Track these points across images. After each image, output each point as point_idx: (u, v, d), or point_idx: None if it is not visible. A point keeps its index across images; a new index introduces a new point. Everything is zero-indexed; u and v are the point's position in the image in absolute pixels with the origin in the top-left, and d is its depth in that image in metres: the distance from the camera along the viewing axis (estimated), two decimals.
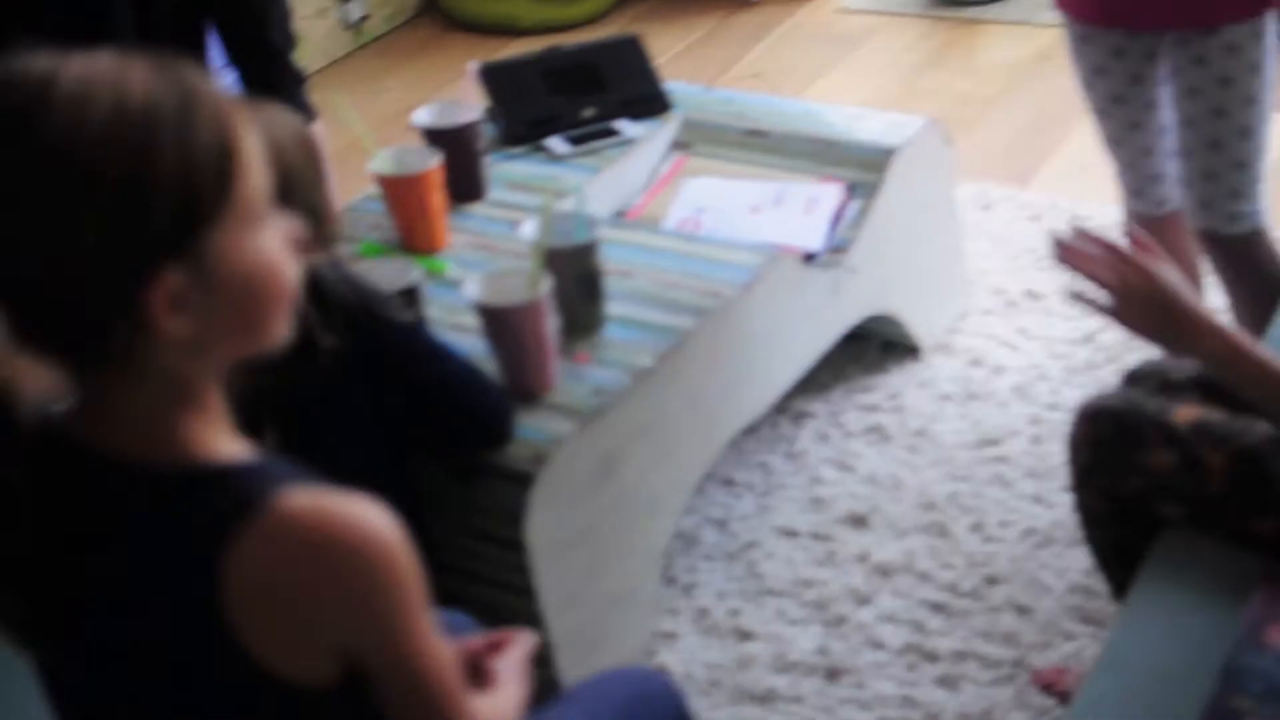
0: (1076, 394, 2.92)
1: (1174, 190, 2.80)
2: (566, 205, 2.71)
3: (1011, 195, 3.81)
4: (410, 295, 2.43)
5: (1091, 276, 2.03)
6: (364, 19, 5.18)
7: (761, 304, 2.72)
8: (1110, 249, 2.02)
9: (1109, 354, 3.18)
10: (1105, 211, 3.56)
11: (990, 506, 2.86)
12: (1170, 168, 2.78)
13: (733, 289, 2.66)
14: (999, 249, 3.59)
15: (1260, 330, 2.49)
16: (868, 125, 3.18)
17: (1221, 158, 2.65)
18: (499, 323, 2.39)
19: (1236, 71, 2.58)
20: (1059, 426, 2.93)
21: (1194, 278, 2.92)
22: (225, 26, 2.68)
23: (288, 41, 2.73)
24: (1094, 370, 3.14)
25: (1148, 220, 2.83)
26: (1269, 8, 2.56)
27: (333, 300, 2.01)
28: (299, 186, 1.98)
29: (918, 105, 4.22)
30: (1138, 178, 2.82)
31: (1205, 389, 2.12)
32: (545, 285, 2.38)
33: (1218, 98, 2.60)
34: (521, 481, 2.31)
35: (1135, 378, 2.24)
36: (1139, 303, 1.99)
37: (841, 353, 3.14)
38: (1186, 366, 2.18)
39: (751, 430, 3.00)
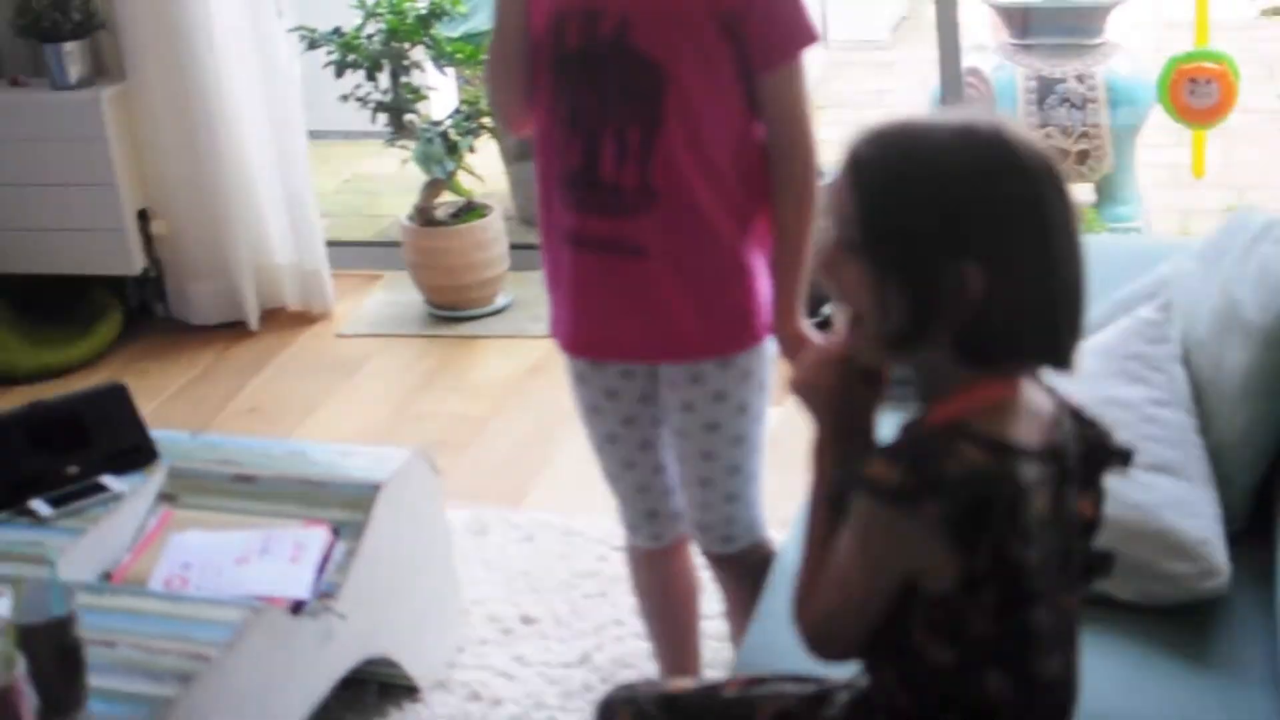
0: (573, 719, 2.98)
1: (673, 524, 2.86)
2: (43, 574, 2.66)
3: (505, 516, 3.90)
4: None
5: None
6: None
7: (246, 661, 2.70)
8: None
9: (603, 674, 3.26)
10: (599, 524, 3.70)
11: None
12: (671, 503, 2.83)
13: (216, 649, 2.64)
14: (494, 574, 3.66)
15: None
16: (354, 461, 3.24)
17: (712, 492, 2.72)
18: None
19: (724, 416, 2.65)
20: None
21: (692, 604, 3.04)
22: None
23: None
24: (590, 692, 3.21)
25: (646, 553, 2.92)
26: (744, 347, 2.63)
27: None
28: None
29: (413, 430, 4.32)
30: (633, 513, 2.86)
31: (674, 710, 2.22)
32: (19, 666, 2.33)
33: (706, 441, 2.68)
34: None
35: (608, 707, 2.31)
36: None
37: (337, 700, 3.12)
38: (656, 686, 2.29)
39: None
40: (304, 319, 5.21)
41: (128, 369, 4.92)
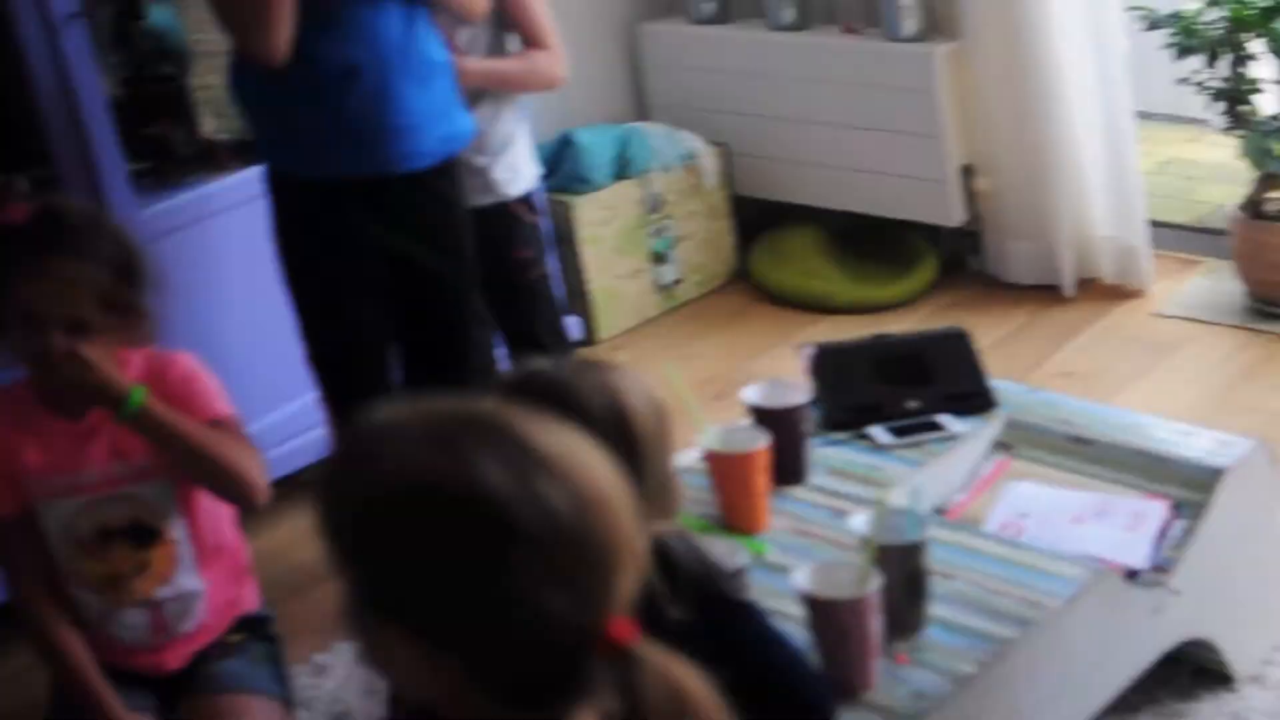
0: None
1: None
2: (898, 500, 2.72)
3: None
4: (740, 576, 2.47)
5: None
6: (676, 282, 5.33)
7: (1083, 619, 2.70)
8: None
9: None
10: None
11: None
12: None
13: (1056, 601, 2.65)
14: None
15: None
16: (1196, 442, 3.16)
17: None
18: (826, 616, 2.41)
19: None
20: None
21: None
22: None
23: None
24: None
25: None
26: None
27: (682, 572, 2.03)
28: (652, 453, 2.02)
29: (1231, 421, 4.16)
30: None
31: None
32: (875, 582, 2.40)
33: None
34: None
35: None
36: None
37: (1152, 675, 3.05)
38: None
39: None
40: (1118, 293, 5.12)
41: (940, 316, 5.00)
